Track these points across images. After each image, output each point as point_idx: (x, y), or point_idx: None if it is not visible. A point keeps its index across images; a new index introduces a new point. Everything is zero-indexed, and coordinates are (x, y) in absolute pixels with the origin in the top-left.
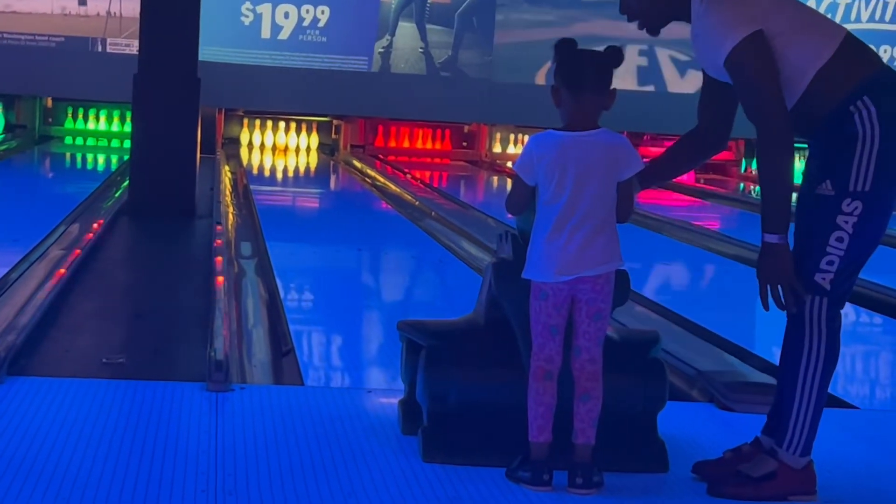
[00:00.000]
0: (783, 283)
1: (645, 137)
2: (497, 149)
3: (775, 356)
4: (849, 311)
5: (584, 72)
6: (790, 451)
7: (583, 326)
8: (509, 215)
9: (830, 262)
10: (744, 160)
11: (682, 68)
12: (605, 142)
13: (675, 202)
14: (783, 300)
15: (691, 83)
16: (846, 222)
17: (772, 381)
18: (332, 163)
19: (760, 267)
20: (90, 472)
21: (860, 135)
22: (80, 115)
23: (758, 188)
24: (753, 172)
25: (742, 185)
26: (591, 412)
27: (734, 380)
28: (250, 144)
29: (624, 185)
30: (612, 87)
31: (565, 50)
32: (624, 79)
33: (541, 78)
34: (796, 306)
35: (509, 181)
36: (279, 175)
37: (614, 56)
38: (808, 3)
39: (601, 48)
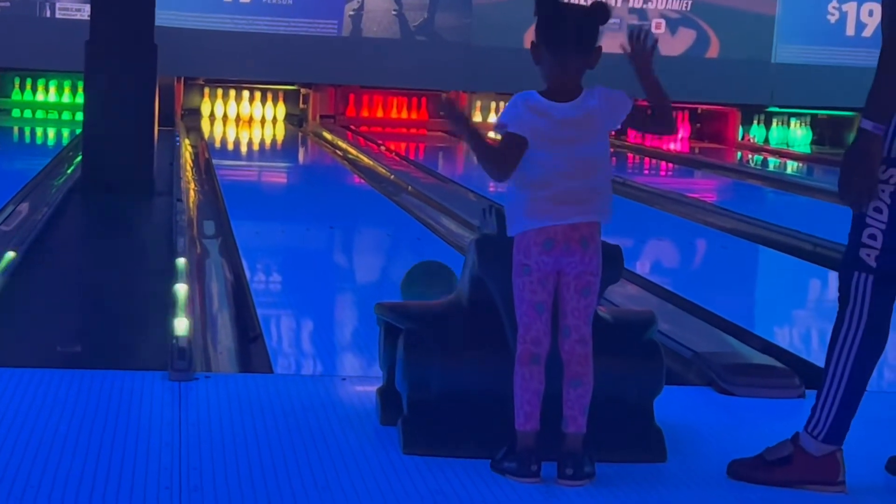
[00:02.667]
0: (862, 175)
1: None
2: (477, 118)
3: (776, 336)
4: None
5: (566, 28)
6: (812, 435)
7: (571, 303)
8: (490, 183)
9: (873, 237)
10: (740, 128)
11: (673, 26)
12: (587, 107)
13: (667, 173)
14: (858, 198)
15: (684, 42)
16: (883, 191)
17: (773, 362)
18: (300, 135)
19: (847, 154)
20: (44, 468)
21: None
22: (29, 86)
23: (757, 157)
24: (751, 140)
25: (740, 154)
26: (581, 398)
27: (733, 362)
28: (212, 116)
29: (637, 112)
30: (597, 44)
31: (546, 4)
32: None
33: (527, 41)
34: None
35: None
36: (243, 148)
37: (600, 11)
38: None
39: (586, 2)
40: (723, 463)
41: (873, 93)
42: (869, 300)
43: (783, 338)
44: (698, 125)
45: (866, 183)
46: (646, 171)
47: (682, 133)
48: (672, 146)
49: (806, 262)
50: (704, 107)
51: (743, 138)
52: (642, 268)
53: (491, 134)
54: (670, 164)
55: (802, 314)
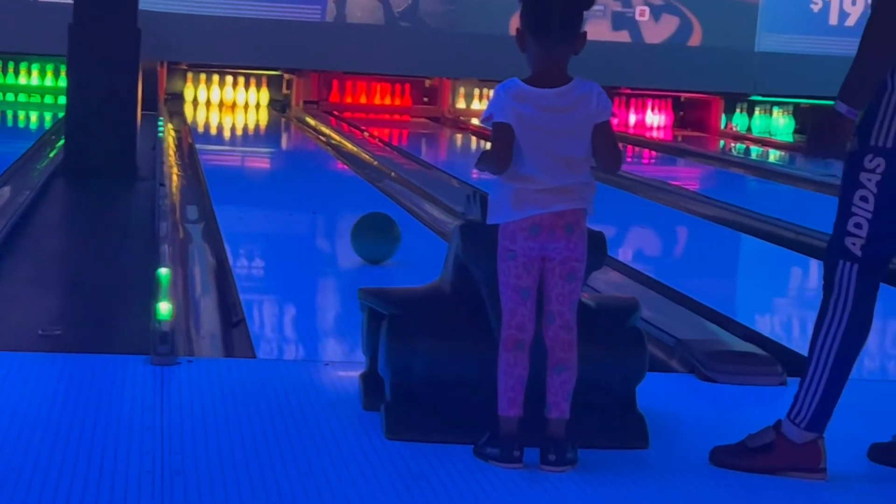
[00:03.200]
0: (831, 156)
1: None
2: (461, 104)
3: (758, 324)
4: None
5: (550, 15)
6: (794, 422)
7: (556, 289)
8: (475, 174)
9: (858, 225)
10: (723, 116)
11: (656, 13)
12: (575, 96)
13: (650, 161)
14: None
15: (667, 29)
16: (869, 180)
17: (755, 349)
18: (283, 120)
19: (818, 132)
20: (25, 452)
21: (888, 86)
22: (11, 70)
23: (739, 146)
24: (734, 129)
25: (722, 142)
26: (565, 384)
27: (715, 349)
28: (195, 100)
29: (599, 130)
30: (582, 30)
31: None
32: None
33: (511, 28)
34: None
35: (474, 139)
36: (226, 133)
37: None
38: None
39: None
40: (705, 450)
41: (850, 77)
42: (854, 289)
43: (765, 325)
44: (681, 113)
45: (831, 157)
46: (628, 159)
47: (665, 121)
48: (655, 134)
49: (788, 251)
50: (687, 95)
51: (726, 127)
52: (625, 255)
53: (475, 121)
54: (653, 152)
55: (784, 302)
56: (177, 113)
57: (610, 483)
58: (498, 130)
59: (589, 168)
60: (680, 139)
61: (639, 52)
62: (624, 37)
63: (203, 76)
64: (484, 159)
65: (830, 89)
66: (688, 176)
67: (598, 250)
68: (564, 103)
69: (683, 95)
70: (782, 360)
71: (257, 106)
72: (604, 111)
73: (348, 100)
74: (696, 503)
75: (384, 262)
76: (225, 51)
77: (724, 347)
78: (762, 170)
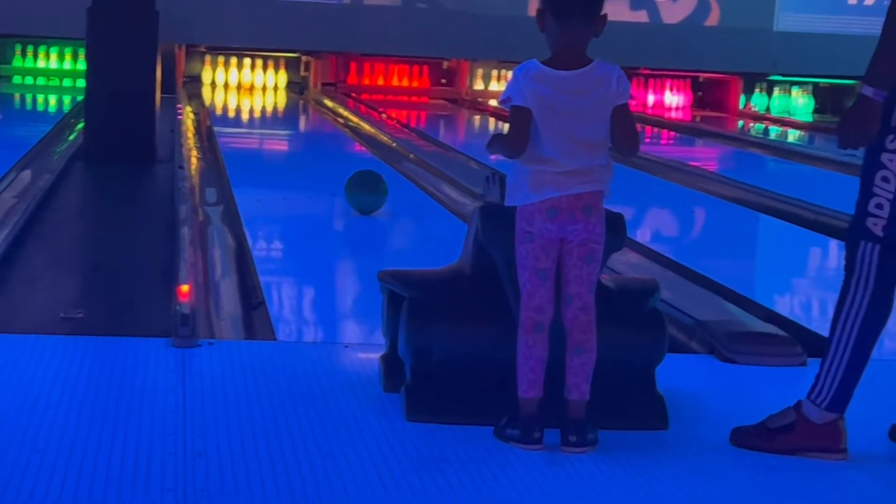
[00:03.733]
0: (861, 141)
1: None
2: (479, 86)
3: (778, 304)
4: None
5: None
6: (815, 402)
7: (574, 271)
8: (492, 157)
9: (879, 206)
10: (742, 96)
11: None
12: (594, 78)
13: (669, 141)
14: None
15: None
16: (891, 160)
17: (776, 330)
18: (301, 102)
19: (846, 118)
20: (49, 436)
21: None
22: (30, 53)
23: (758, 126)
24: (752, 109)
25: (741, 122)
26: (584, 366)
27: (735, 330)
28: (213, 83)
29: (618, 112)
30: (602, 12)
31: None
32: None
33: (530, 9)
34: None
35: (492, 120)
36: (245, 116)
37: None
38: None
39: None
40: (725, 431)
41: (875, 59)
42: (875, 269)
43: (785, 306)
44: (699, 93)
45: (865, 142)
46: (647, 140)
47: (684, 101)
48: (673, 114)
49: (808, 231)
50: (706, 75)
51: (744, 107)
52: (644, 236)
53: (493, 103)
54: (672, 133)
55: (804, 283)
56: (195, 95)
57: (630, 464)
58: (516, 114)
59: (607, 150)
60: (698, 119)
61: (657, 32)
62: (642, 17)
63: (221, 58)
64: (499, 142)
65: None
66: (706, 156)
67: (617, 232)
68: (584, 85)
69: (702, 75)
70: (802, 340)
71: (275, 88)
72: (623, 93)
73: (366, 81)
74: (716, 484)
75: (373, 213)
76: (243, 33)
77: (744, 328)
78: (781, 150)
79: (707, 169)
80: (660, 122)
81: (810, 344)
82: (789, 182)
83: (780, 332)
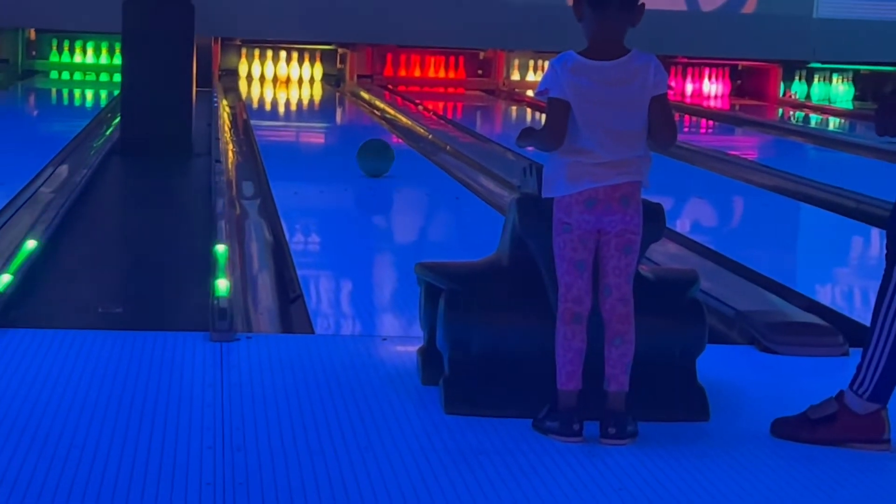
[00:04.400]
0: None
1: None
2: (515, 76)
3: (819, 294)
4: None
5: None
6: (857, 393)
7: (612, 262)
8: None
9: None
10: (782, 84)
11: None
12: (632, 69)
13: (708, 130)
14: None
15: None
16: None
17: (817, 320)
18: (337, 95)
19: (883, 104)
20: (88, 429)
21: None
22: (66, 48)
23: (798, 114)
24: (792, 97)
25: (781, 110)
26: (623, 357)
27: (776, 320)
28: (249, 76)
29: (656, 103)
30: (640, 2)
31: None
32: None
33: None
34: None
35: (529, 111)
36: (281, 109)
37: None
38: None
39: None
40: (766, 422)
41: None
42: None
43: (826, 295)
44: (738, 82)
45: None
46: (686, 129)
47: (723, 90)
48: (712, 103)
49: (849, 220)
50: (745, 63)
51: (784, 95)
52: (684, 226)
53: (530, 93)
54: (710, 122)
55: (845, 272)
56: (231, 89)
57: (670, 456)
58: (553, 106)
59: (645, 141)
60: (737, 108)
61: (695, 20)
62: (679, 5)
63: (257, 51)
64: (532, 135)
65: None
66: (746, 145)
67: (656, 222)
68: (621, 76)
69: (741, 64)
70: (844, 330)
71: (311, 81)
72: (661, 84)
73: (402, 73)
74: (757, 476)
75: (382, 176)
76: (278, 26)
77: (784, 318)
78: (822, 138)
79: (746, 158)
80: (699, 111)
81: (852, 333)
82: (830, 170)
83: (822, 322)
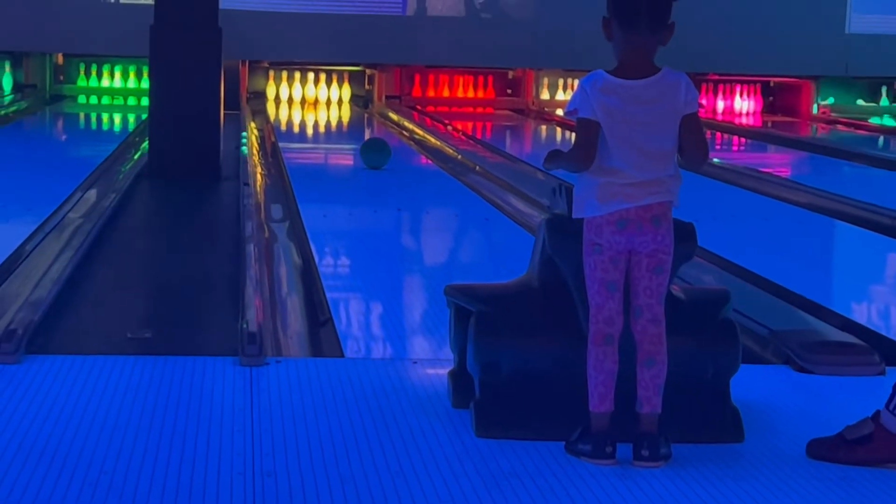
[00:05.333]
0: None
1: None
2: (545, 95)
3: (855, 312)
4: None
5: (638, 3)
6: (893, 412)
7: (643, 282)
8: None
9: None
10: (817, 99)
11: None
12: (663, 87)
13: (740, 148)
14: None
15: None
16: None
17: (852, 339)
18: (366, 116)
19: None
20: (118, 456)
21: None
22: (94, 72)
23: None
24: (827, 112)
25: (815, 127)
26: (656, 378)
27: (811, 339)
28: (277, 98)
29: (688, 122)
30: (669, 20)
31: None
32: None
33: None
34: None
35: (559, 130)
36: (309, 131)
37: None
38: None
39: None
40: (801, 443)
41: None
42: None
43: (862, 314)
44: (771, 98)
45: None
46: (717, 147)
47: (755, 106)
48: (744, 120)
49: (885, 237)
50: (777, 79)
51: (817, 111)
52: (716, 245)
53: (560, 112)
54: (742, 139)
55: (882, 290)
56: (259, 111)
57: (704, 478)
58: (583, 126)
59: (675, 160)
60: (770, 125)
61: (725, 36)
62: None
63: (285, 74)
64: (561, 157)
65: None
66: (779, 162)
67: (687, 241)
68: (652, 95)
69: (773, 80)
70: (880, 349)
71: (339, 102)
72: (692, 102)
73: (431, 93)
74: (793, 498)
75: (381, 168)
76: (306, 47)
77: (820, 337)
78: (856, 154)
79: (779, 175)
80: (730, 128)
81: (888, 352)
82: (865, 187)
83: (857, 341)
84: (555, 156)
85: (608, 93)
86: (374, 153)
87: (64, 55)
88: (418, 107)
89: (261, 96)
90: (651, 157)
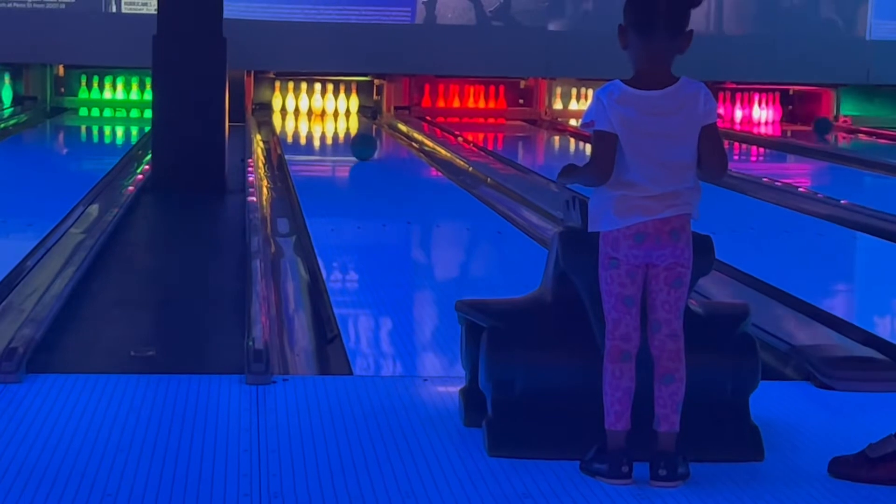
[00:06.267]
0: None
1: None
2: (558, 105)
3: (878, 327)
4: None
5: (656, 11)
6: None
7: (661, 296)
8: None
9: None
10: (836, 109)
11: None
12: (681, 97)
13: (758, 158)
14: None
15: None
16: None
17: (875, 354)
18: (374, 127)
19: None
20: (121, 477)
21: None
22: (95, 84)
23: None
24: (847, 121)
25: (835, 136)
26: (674, 395)
27: (833, 354)
28: (283, 110)
29: (706, 133)
30: (687, 28)
31: None
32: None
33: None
34: None
35: (572, 141)
36: (316, 143)
37: None
38: None
39: None
40: (823, 461)
41: None
42: None
43: (885, 328)
44: (790, 107)
45: None
46: (735, 157)
47: (773, 116)
48: (762, 129)
49: None
50: (796, 87)
51: (838, 120)
52: (735, 258)
53: (573, 122)
54: (761, 149)
55: None
56: (265, 123)
57: (723, 498)
58: (600, 139)
59: (694, 171)
60: (789, 134)
61: (742, 43)
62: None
63: (291, 84)
64: (576, 171)
65: None
66: (799, 172)
67: (705, 254)
68: (670, 106)
69: (792, 88)
70: None
71: (347, 113)
72: (710, 113)
73: (441, 104)
74: None
75: (368, 160)
76: (312, 58)
77: (841, 353)
78: (878, 164)
79: (799, 186)
80: (749, 138)
81: None
82: (888, 197)
83: (880, 356)
84: (570, 170)
85: (625, 104)
86: (361, 147)
87: (65, 66)
88: (428, 117)
89: (266, 108)
90: (669, 169)
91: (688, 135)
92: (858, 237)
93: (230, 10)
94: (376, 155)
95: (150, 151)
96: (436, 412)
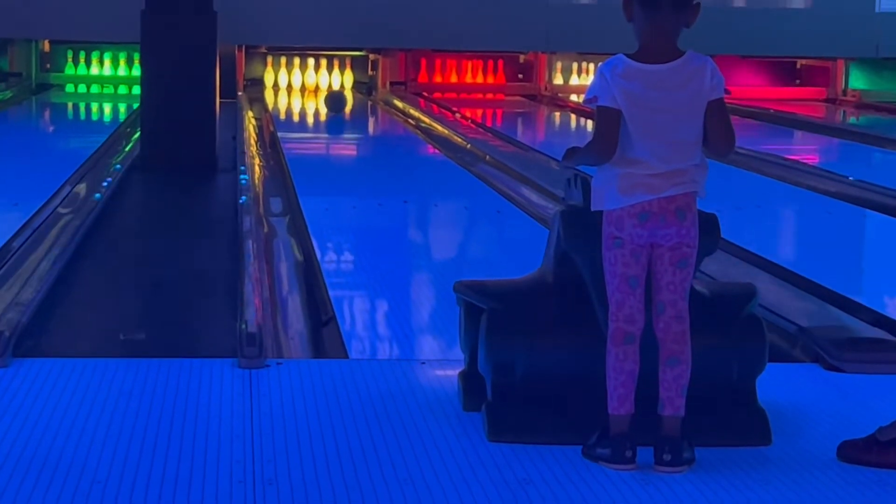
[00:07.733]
0: None
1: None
2: (558, 80)
3: (888, 307)
4: None
5: None
6: None
7: (666, 276)
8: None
9: None
10: (847, 80)
11: None
12: (687, 72)
13: (765, 134)
14: None
15: None
16: None
17: (885, 335)
18: (369, 103)
19: None
20: (111, 463)
21: None
22: (82, 60)
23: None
24: (856, 96)
25: (843, 111)
26: (679, 379)
27: (841, 336)
28: (276, 86)
29: (713, 108)
30: (695, 1)
31: None
32: None
33: None
34: None
35: (573, 117)
36: (310, 119)
37: None
38: None
39: None
40: (832, 445)
41: None
42: None
43: (895, 309)
44: (798, 81)
45: None
46: (741, 133)
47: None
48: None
49: None
50: (805, 61)
51: (846, 94)
52: (740, 237)
53: (574, 98)
54: (766, 124)
55: None
56: (257, 100)
57: (730, 484)
58: (603, 115)
59: (700, 149)
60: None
61: (749, 16)
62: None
63: (283, 60)
64: (580, 152)
65: None
66: (806, 149)
67: (710, 234)
68: (676, 80)
69: (800, 61)
70: None
71: (341, 89)
72: (718, 87)
73: (438, 79)
74: (824, 503)
75: (341, 114)
76: (306, 32)
77: (850, 334)
78: (887, 140)
79: (807, 162)
80: (754, 112)
81: None
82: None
83: (890, 337)
84: (573, 152)
85: (630, 78)
86: (333, 103)
87: (51, 42)
88: (424, 93)
89: (258, 83)
90: (675, 145)
91: (694, 110)
92: (868, 215)
93: None
94: (347, 109)
95: (138, 129)
96: (434, 396)
